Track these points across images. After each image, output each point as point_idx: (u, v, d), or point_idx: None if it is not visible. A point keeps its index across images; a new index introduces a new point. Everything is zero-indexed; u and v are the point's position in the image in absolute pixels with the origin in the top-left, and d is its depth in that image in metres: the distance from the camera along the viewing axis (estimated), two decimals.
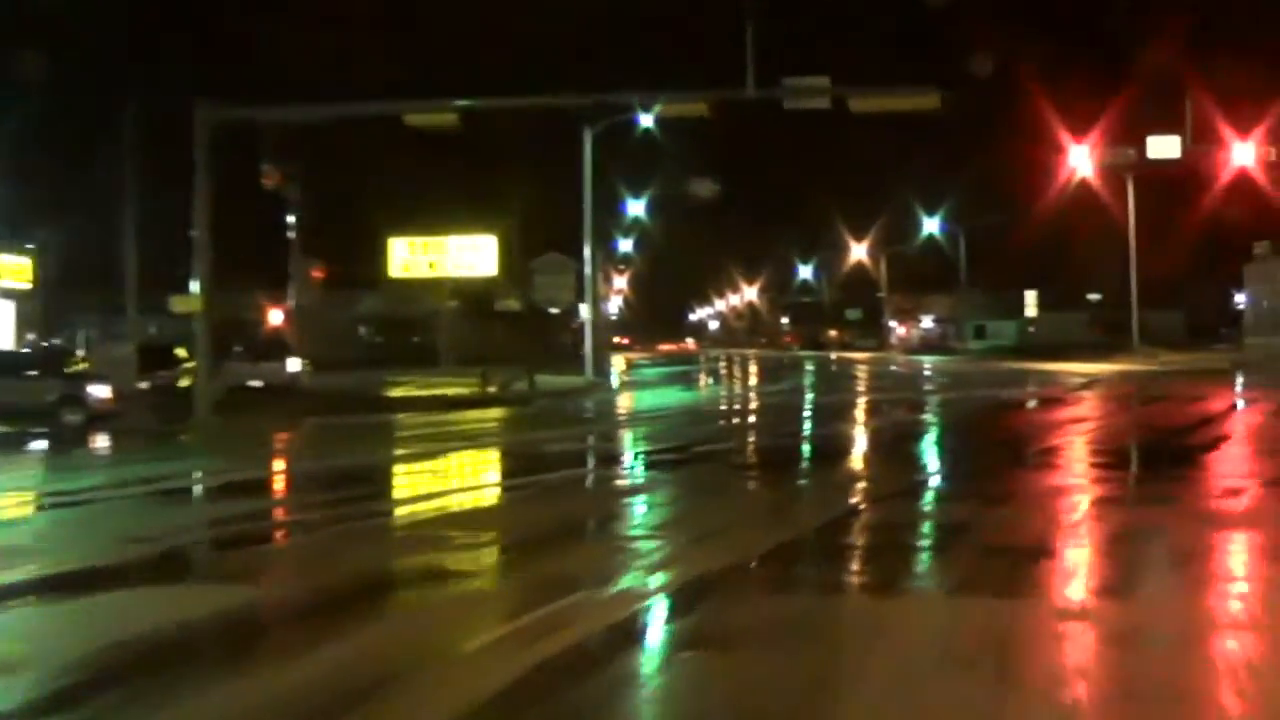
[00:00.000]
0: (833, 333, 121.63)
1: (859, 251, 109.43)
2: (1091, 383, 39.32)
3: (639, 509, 14.08)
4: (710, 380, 52.56)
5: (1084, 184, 62.38)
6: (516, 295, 54.58)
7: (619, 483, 16.94)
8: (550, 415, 30.23)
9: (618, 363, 78.80)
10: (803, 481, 17.11)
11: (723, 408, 34.63)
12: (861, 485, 15.70)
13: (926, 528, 11.98)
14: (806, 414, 30.26)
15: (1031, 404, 32.22)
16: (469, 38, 67.61)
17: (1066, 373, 48.14)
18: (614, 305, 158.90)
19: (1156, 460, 17.87)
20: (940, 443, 22.30)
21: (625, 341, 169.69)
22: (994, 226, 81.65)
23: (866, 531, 11.90)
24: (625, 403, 37.14)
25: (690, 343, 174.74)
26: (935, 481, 16.47)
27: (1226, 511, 12.17)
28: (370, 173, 53.88)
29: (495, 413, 31.24)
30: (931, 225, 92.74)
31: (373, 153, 47.24)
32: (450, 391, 37.49)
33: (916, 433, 23.64)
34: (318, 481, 17.66)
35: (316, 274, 47.51)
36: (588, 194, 46.44)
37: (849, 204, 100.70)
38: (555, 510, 13.61)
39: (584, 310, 48.16)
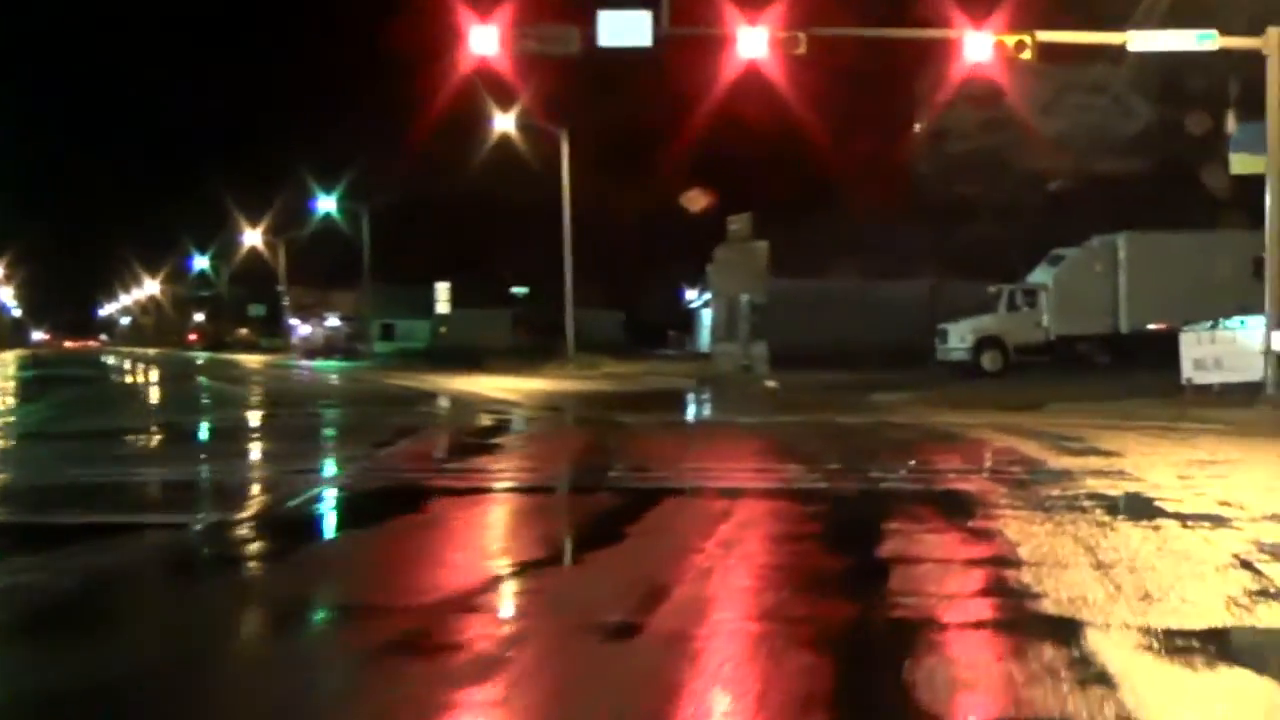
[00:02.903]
0: (243, 331, 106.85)
1: (254, 237, 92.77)
2: (497, 430, 23.13)
3: None
4: None
5: (507, 138, 48.20)
6: None
7: None
8: None
9: None
10: None
11: None
12: None
13: None
14: None
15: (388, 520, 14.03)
16: None
17: (472, 397, 32.53)
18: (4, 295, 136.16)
19: None
20: None
21: (47, 338, 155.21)
22: (405, 202, 66.92)
23: None
24: None
25: (99, 340, 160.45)
26: None
27: None
28: None
29: None
30: (329, 204, 76.53)
31: None
32: None
33: None
34: None
35: None
36: None
37: (239, 178, 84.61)
38: None
39: None
